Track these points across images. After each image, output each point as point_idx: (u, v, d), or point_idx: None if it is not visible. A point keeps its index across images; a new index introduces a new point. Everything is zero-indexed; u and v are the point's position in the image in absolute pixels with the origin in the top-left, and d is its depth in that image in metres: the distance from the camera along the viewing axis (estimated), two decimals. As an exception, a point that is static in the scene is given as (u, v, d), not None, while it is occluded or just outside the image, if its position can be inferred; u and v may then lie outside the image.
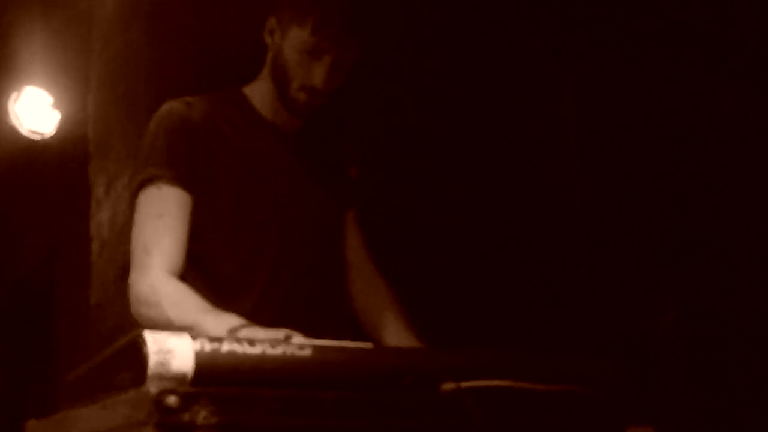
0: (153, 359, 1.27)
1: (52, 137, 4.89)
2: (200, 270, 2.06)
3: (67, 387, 1.52)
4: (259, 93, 2.21)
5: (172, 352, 1.29)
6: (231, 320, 1.80)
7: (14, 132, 4.83)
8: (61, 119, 4.83)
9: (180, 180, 2.03)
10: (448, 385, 1.49)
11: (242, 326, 1.76)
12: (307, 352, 1.42)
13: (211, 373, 1.31)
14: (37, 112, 4.80)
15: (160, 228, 1.99)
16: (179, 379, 1.28)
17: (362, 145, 2.45)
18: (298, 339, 1.63)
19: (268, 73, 2.17)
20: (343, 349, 1.50)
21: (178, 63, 3.44)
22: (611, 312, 2.52)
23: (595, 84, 2.90)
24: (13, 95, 4.74)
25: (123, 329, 2.87)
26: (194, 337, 1.34)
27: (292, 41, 2.07)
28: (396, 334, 2.20)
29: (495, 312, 2.89)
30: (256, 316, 1.97)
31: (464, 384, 1.48)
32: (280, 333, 1.68)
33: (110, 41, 3.58)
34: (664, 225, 2.62)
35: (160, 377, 1.27)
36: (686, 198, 2.63)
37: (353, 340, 2.13)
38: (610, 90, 2.87)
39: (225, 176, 2.10)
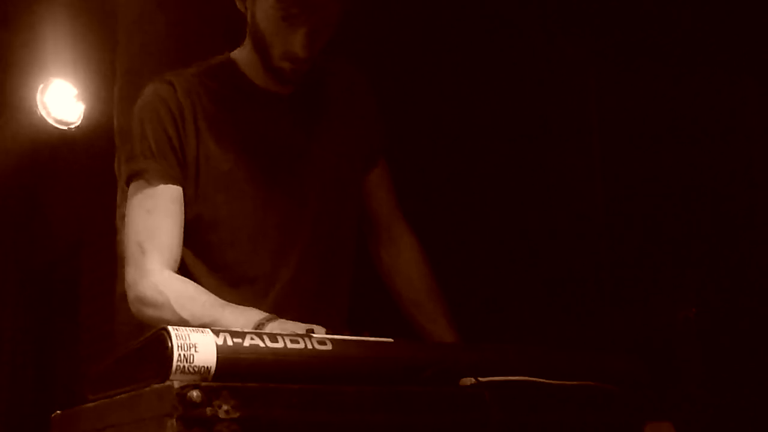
0: (177, 354, 1.30)
1: (78, 128, 4.94)
2: (202, 257, 1.99)
3: (93, 379, 1.54)
4: (246, 60, 2.07)
5: (195, 346, 1.32)
6: (253, 313, 1.75)
7: (42, 122, 4.89)
8: (86, 110, 4.88)
9: (167, 174, 1.94)
10: (467, 380, 1.50)
11: (268, 319, 1.72)
12: (328, 346, 1.45)
13: (233, 367, 1.34)
14: (64, 103, 4.85)
15: (152, 224, 1.91)
16: (202, 373, 1.31)
17: (382, 104, 2.33)
18: (320, 332, 1.61)
19: (249, 39, 2.05)
20: (363, 343, 1.52)
21: (203, 55, 3.46)
22: (630, 307, 2.52)
23: (618, 80, 2.89)
24: (41, 87, 4.80)
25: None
26: (220, 329, 1.37)
27: (263, 7, 1.94)
28: (425, 314, 2.14)
29: (514, 307, 2.89)
30: (265, 299, 1.95)
31: (483, 379, 1.49)
32: (308, 326, 1.64)
33: (135, 34, 3.60)
34: (685, 221, 2.61)
35: (184, 371, 1.30)
36: (708, 194, 2.62)
37: (375, 330, 2.14)
38: (632, 86, 2.86)
39: (218, 158, 1.98)
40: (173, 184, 1.95)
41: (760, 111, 2.65)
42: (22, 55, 5.13)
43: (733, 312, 2.26)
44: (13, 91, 5.19)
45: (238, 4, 2.03)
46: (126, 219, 1.96)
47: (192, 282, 1.90)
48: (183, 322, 1.77)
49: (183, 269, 1.99)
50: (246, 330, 1.66)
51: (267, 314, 1.75)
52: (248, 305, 1.83)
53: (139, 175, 1.95)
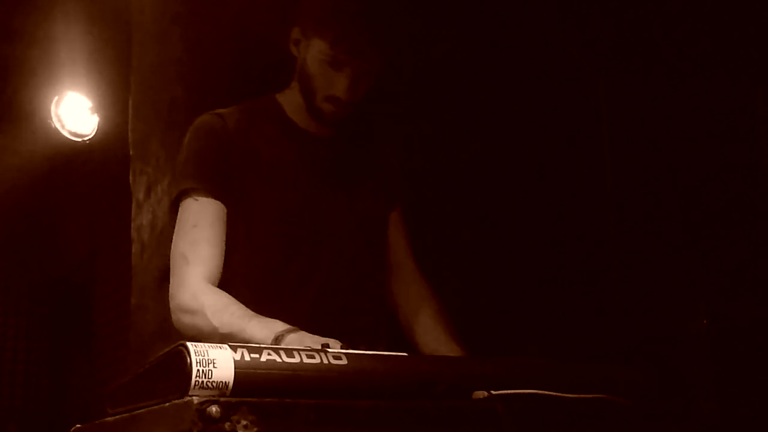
0: (196, 369, 1.33)
1: (92, 140, 4.98)
2: (235, 280, 2.08)
3: (112, 394, 1.57)
4: (290, 101, 2.22)
5: (213, 362, 1.35)
6: (276, 325, 1.84)
7: (57, 134, 4.93)
8: (100, 122, 4.92)
9: (214, 192, 2.08)
10: (480, 393, 1.53)
11: (288, 331, 1.80)
12: (343, 361, 1.47)
13: (250, 382, 1.37)
14: (78, 115, 4.90)
15: (196, 238, 2.04)
16: (220, 388, 1.34)
17: (401, 145, 2.45)
18: (335, 346, 1.66)
19: (297, 82, 2.20)
20: (378, 357, 1.54)
21: (217, 69, 3.49)
22: (641, 318, 2.53)
23: (628, 89, 2.90)
24: (55, 99, 4.84)
25: (164, 333, 2.94)
26: (237, 345, 1.40)
27: (314, 52, 2.09)
28: (434, 337, 2.21)
29: (525, 319, 2.90)
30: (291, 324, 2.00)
31: (495, 392, 1.52)
32: (324, 340, 1.70)
33: (149, 48, 3.63)
34: (696, 230, 2.62)
35: (203, 387, 1.32)
36: (718, 203, 2.63)
37: (389, 347, 2.19)
38: (643, 93, 2.87)
39: (259, 188, 2.12)
40: (220, 201, 2.09)
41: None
42: (37, 68, 5.18)
43: (745, 323, 2.26)
44: (28, 104, 5.25)
45: (292, 48, 2.18)
46: (174, 233, 2.09)
47: (226, 293, 1.99)
48: (214, 330, 1.89)
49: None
50: (265, 343, 1.72)
51: (289, 326, 1.83)
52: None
53: (188, 193, 2.09)
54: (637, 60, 2.85)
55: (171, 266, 2.05)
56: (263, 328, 1.83)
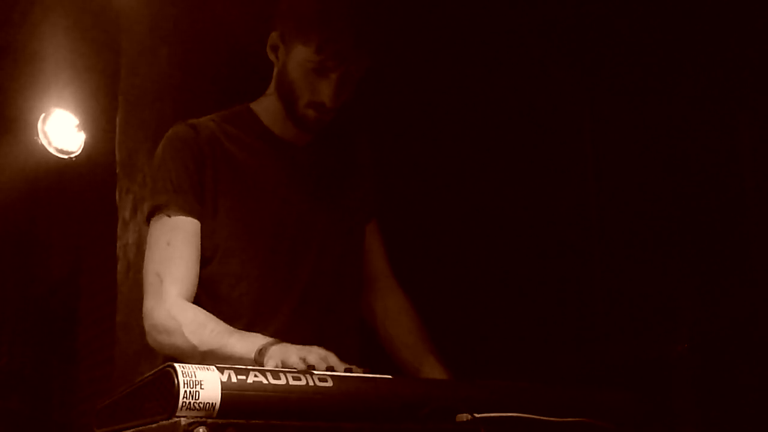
0: (183, 390, 1.34)
1: (78, 157, 4.97)
2: (211, 294, 2.06)
3: (100, 413, 1.58)
4: (267, 109, 2.18)
5: (201, 383, 1.36)
6: (257, 339, 1.82)
7: (43, 151, 4.93)
8: (87, 140, 4.92)
9: (187, 207, 2.04)
10: (463, 416, 1.54)
11: (270, 343, 1.77)
12: (329, 383, 1.49)
13: (237, 403, 1.38)
14: (65, 132, 4.89)
15: (170, 256, 2.00)
16: (207, 409, 1.35)
17: (380, 157, 2.44)
18: (318, 360, 1.66)
19: (275, 88, 2.15)
20: (363, 380, 1.56)
21: (205, 87, 3.51)
22: (624, 342, 2.54)
23: (613, 108, 2.93)
24: (42, 116, 4.84)
25: (149, 352, 2.93)
26: (225, 366, 1.41)
27: (296, 58, 2.05)
28: (414, 351, 2.20)
29: (508, 342, 2.91)
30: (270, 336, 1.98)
31: (479, 415, 1.53)
32: (308, 350, 1.69)
33: (137, 66, 3.65)
34: (679, 253, 2.64)
35: (190, 408, 1.34)
36: (702, 226, 2.66)
37: (362, 355, 2.17)
38: (627, 115, 2.89)
39: (235, 198, 2.09)
40: (192, 217, 2.05)
41: (752, 142, 2.68)
42: (24, 84, 5.17)
43: (726, 347, 2.28)
44: (15, 120, 5.24)
45: (269, 54, 2.14)
46: (146, 251, 2.06)
47: (203, 310, 1.97)
48: (193, 348, 1.87)
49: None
50: (248, 357, 1.74)
51: (270, 339, 1.81)
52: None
53: (160, 210, 2.06)
54: (623, 82, 2.88)
55: (144, 285, 2.01)
56: (245, 343, 1.81)
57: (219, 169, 2.09)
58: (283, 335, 2.00)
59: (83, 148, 4.96)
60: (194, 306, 1.98)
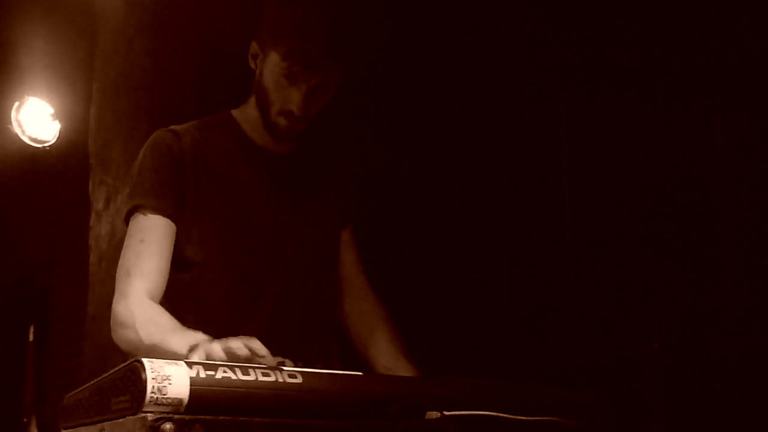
0: (151, 385, 1.33)
1: (52, 146, 4.94)
2: (191, 299, 2.09)
3: (66, 408, 1.56)
4: (247, 117, 2.21)
5: (169, 378, 1.35)
6: (195, 337, 1.80)
7: (17, 140, 4.89)
8: (61, 129, 4.89)
9: (165, 210, 2.07)
10: (433, 414, 1.54)
11: (203, 341, 1.73)
12: (298, 379, 1.48)
13: (205, 399, 1.37)
14: (39, 121, 4.86)
15: (141, 253, 2.03)
16: (175, 404, 1.34)
17: (355, 164, 2.46)
18: (240, 345, 1.63)
19: (254, 97, 2.18)
20: (332, 376, 1.55)
21: (180, 79, 3.49)
22: (594, 342, 2.56)
23: (589, 111, 2.94)
24: (16, 104, 4.80)
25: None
26: (193, 362, 1.40)
27: (270, 65, 2.08)
28: (387, 356, 2.23)
29: (481, 341, 2.92)
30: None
31: (448, 413, 1.53)
32: (237, 342, 1.65)
33: (113, 56, 3.63)
34: (651, 255, 2.66)
35: (157, 403, 1.33)
36: (674, 229, 2.67)
37: (341, 362, 2.20)
38: (603, 118, 2.90)
39: (214, 206, 2.12)
40: (169, 219, 2.08)
41: (725, 145, 2.70)
42: (-3, 72, 5.13)
43: (696, 347, 2.30)
44: (-12, 109, 5.19)
45: (250, 62, 2.17)
46: (122, 249, 2.07)
47: (161, 308, 1.98)
48: (140, 342, 1.89)
49: (168, 297, 2.08)
50: (180, 353, 1.71)
51: (207, 337, 1.78)
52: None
53: (137, 210, 2.08)
54: (598, 85, 2.89)
55: (116, 281, 2.04)
56: (180, 340, 1.80)
57: (200, 177, 2.12)
58: (261, 340, 2.04)
59: (58, 138, 4.92)
60: (152, 302, 1.99)
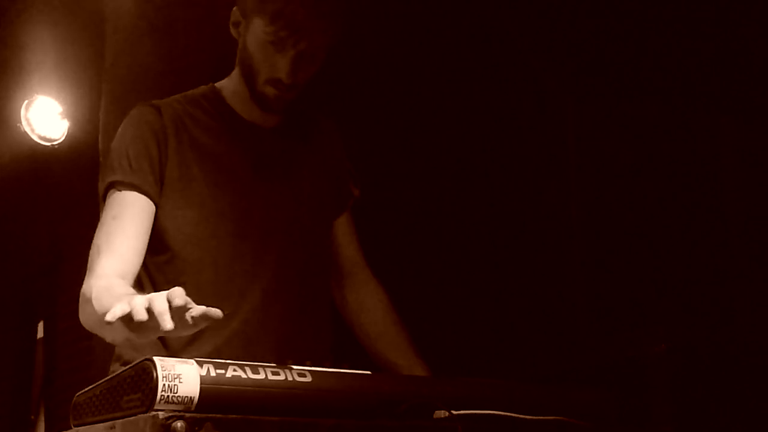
0: (162, 384, 1.34)
1: (61, 145, 4.96)
2: (174, 282, 1.94)
3: (77, 406, 1.57)
4: (231, 89, 2.12)
5: (179, 377, 1.36)
6: (121, 292, 1.72)
7: (26, 138, 4.91)
8: (69, 128, 4.91)
9: (141, 186, 1.98)
10: (441, 413, 1.55)
11: (125, 295, 1.66)
12: (308, 378, 1.49)
13: (215, 397, 1.38)
14: (48, 119, 4.88)
15: (114, 229, 1.94)
16: (185, 403, 1.35)
17: (363, 161, 2.43)
18: (162, 300, 1.52)
19: (238, 67, 2.10)
20: (342, 375, 1.56)
21: (190, 79, 3.48)
22: (602, 341, 2.56)
23: (596, 111, 2.94)
24: (25, 103, 4.82)
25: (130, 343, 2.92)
26: (204, 360, 1.41)
27: (254, 32, 1.99)
28: (396, 351, 2.18)
29: (487, 339, 2.93)
30: (232, 325, 1.97)
31: (456, 412, 1.54)
32: (160, 295, 1.55)
33: (122, 55, 3.63)
34: (659, 256, 2.66)
35: (168, 401, 1.34)
36: (683, 229, 2.68)
37: (332, 347, 2.14)
38: (610, 119, 2.91)
39: (199, 183, 2.03)
40: (146, 196, 1.99)
41: (734, 147, 2.71)
42: (6, 71, 5.15)
43: (704, 348, 2.30)
44: (-3, 107, 5.22)
45: (232, 31, 2.09)
46: (97, 228, 2.00)
47: (119, 281, 1.88)
48: (95, 313, 1.79)
49: (152, 280, 2.03)
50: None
51: (131, 291, 1.73)
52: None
53: (113, 186, 2.00)
54: (606, 85, 2.89)
55: (89, 259, 1.95)
56: (115, 300, 1.64)
57: (183, 154, 2.04)
58: (253, 322, 2.01)
59: (66, 136, 4.94)
60: (111, 277, 1.88)
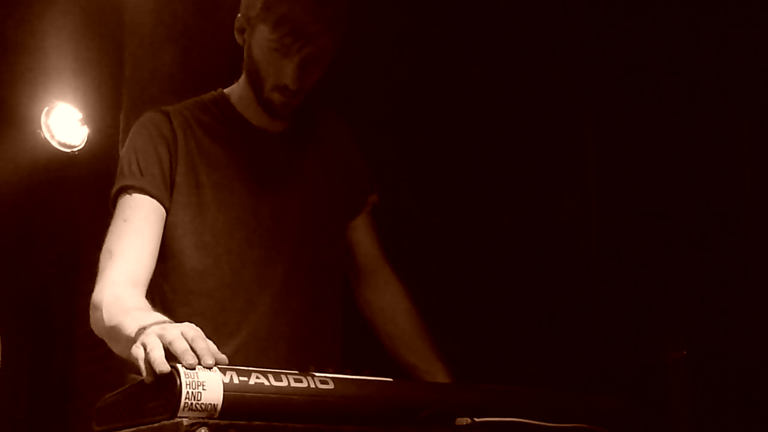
0: (185, 391, 1.35)
1: (81, 151, 4.99)
2: (181, 289, 2.00)
3: (100, 411, 1.59)
4: (239, 95, 2.13)
5: (203, 384, 1.37)
6: (147, 320, 1.66)
7: (46, 144, 4.95)
8: (89, 134, 4.94)
9: (151, 190, 1.98)
10: (463, 420, 1.56)
11: (151, 324, 1.61)
12: (330, 385, 1.50)
13: (238, 405, 1.39)
14: (68, 126, 4.91)
15: (125, 232, 1.94)
16: (209, 410, 1.36)
17: (385, 166, 2.41)
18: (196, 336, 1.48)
19: (244, 73, 2.10)
20: (364, 382, 1.57)
21: (210, 86, 3.51)
22: (622, 348, 2.56)
23: (615, 117, 2.94)
24: (45, 109, 4.86)
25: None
26: (226, 368, 1.42)
27: (259, 39, 1.99)
28: (418, 355, 2.16)
29: (507, 346, 2.93)
30: (241, 332, 1.98)
31: (478, 419, 1.54)
32: (188, 326, 1.55)
33: (142, 61, 3.65)
34: (677, 261, 2.65)
35: (191, 408, 1.35)
36: (700, 235, 2.67)
37: (342, 351, 2.13)
38: (629, 125, 2.90)
39: (207, 187, 2.03)
40: (156, 200, 1.99)
41: (752, 151, 2.70)
42: (27, 78, 5.18)
43: (724, 354, 2.30)
44: (18, 113, 5.25)
45: (237, 38, 2.10)
46: (107, 232, 1.99)
47: (133, 289, 1.86)
48: (104, 323, 1.78)
49: (157, 289, 2.01)
50: (131, 338, 1.61)
51: (159, 320, 1.65)
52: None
53: (124, 191, 2.00)
54: (625, 93, 2.89)
55: (99, 264, 1.94)
56: (134, 322, 1.65)
57: (192, 160, 2.04)
58: (262, 331, 2.01)
59: (86, 142, 4.97)
60: (126, 284, 1.87)
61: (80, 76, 4.87)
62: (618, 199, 2.83)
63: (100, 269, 1.92)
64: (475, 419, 1.54)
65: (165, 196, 2.00)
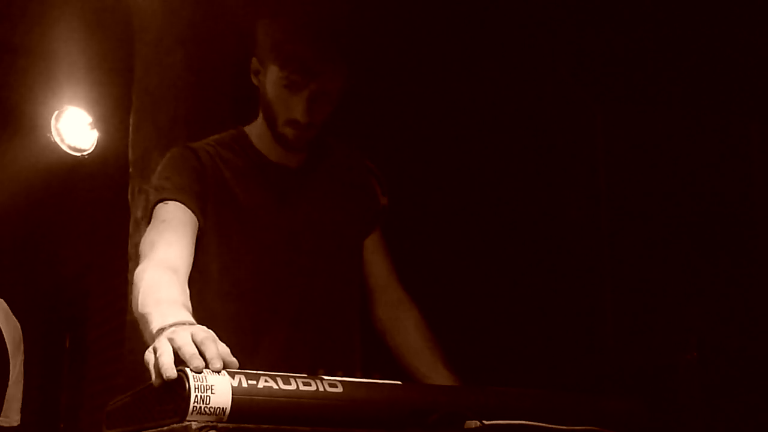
0: (194, 395, 1.35)
1: (91, 155, 5.00)
2: (206, 310, 2.02)
3: (110, 413, 1.59)
4: (257, 132, 2.23)
5: (212, 388, 1.37)
6: (168, 318, 1.66)
7: (56, 148, 4.96)
8: (99, 138, 4.95)
9: (188, 201, 2.07)
10: (472, 423, 1.55)
11: (170, 325, 1.61)
12: (339, 389, 1.49)
13: (247, 408, 1.39)
14: (78, 130, 4.92)
15: (164, 228, 2.01)
16: (218, 414, 1.36)
17: (394, 174, 2.45)
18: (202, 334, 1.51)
19: (261, 111, 2.21)
20: (372, 385, 1.57)
21: (219, 90, 3.52)
22: (633, 350, 2.55)
23: (625, 118, 2.93)
24: (55, 113, 4.87)
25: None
26: (235, 371, 1.42)
27: (271, 79, 2.11)
28: (428, 366, 2.21)
29: (518, 349, 2.92)
30: (260, 355, 2.05)
31: (488, 422, 1.54)
32: (200, 329, 1.56)
33: (152, 66, 3.66)
34: (689, 262, 2.65)
35: (200, 412, 1.35)
36: (712, 236, 2.66)
37: (362, 374, 2.18)
38: (639, 125, 2.90)
39: (231, 222, 2.13)
40: (192, 211, 2.08)
41: (763, 152, 2.69)
42: (37, 82, 5.20)
43: (736, 356, 2.29)
44: (29, 117, 5.26)
45: (253, 79, 2.20)
46: (145, 234, 2.05)
47: (169, 277, 1.88)
48: (137, 308, 1.80)
49: None
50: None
51: (183, 320, 1.66)
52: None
53: (161, 201, 2.08)
54: (635, 93, 2.88)
55: (140, 253, 1.99)
56: (159, 318, 1.67)
57: (217, 195, 2.14)
58: (279, 355, 2.07)
59: (96, 146, 4.98)
60: (162, 270, 1.89)
61: (90, 80, 4.88)
62: (629, 200, 2.82)
63: (141, 255, 1.97)
64: (485, 422, 1.53)
65: (199, 213, 2.09)
